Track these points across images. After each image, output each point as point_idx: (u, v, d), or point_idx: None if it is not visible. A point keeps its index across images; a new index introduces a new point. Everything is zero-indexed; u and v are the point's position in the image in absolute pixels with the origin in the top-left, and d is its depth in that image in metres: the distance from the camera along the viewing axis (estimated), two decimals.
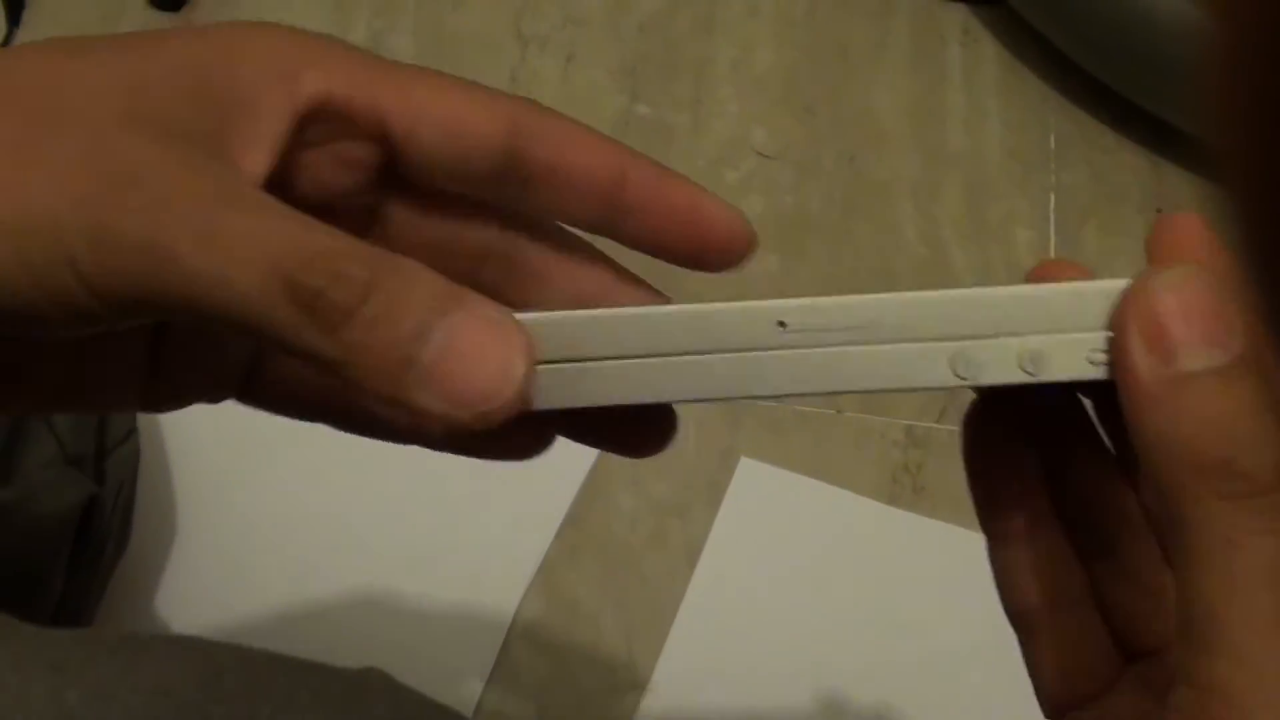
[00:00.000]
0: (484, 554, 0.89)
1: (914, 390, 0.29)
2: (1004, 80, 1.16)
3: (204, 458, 0.89)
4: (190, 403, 0.36)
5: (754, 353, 0.29)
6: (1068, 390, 0.34)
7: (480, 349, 0.27)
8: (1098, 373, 0.29)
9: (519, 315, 0.29)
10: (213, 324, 0.27)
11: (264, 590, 0.87)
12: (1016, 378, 0.29)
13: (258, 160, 0.30)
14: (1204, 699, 0.26)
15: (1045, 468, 0.35)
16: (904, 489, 0.94)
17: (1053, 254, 1.06)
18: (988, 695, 0.76)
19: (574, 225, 0.35)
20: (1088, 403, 0.35)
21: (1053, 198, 1.10)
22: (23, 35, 1.12)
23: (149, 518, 0.86)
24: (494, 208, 0.35)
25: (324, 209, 0.31)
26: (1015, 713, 0.39)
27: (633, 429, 0.36)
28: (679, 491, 0.93)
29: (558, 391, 0.29)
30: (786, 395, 0.29)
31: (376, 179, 0.33)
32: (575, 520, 0.92)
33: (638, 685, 0.86)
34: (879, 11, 1.19)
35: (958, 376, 0.29)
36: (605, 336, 0.29)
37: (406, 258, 0.28)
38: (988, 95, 1.15)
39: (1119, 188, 1.10)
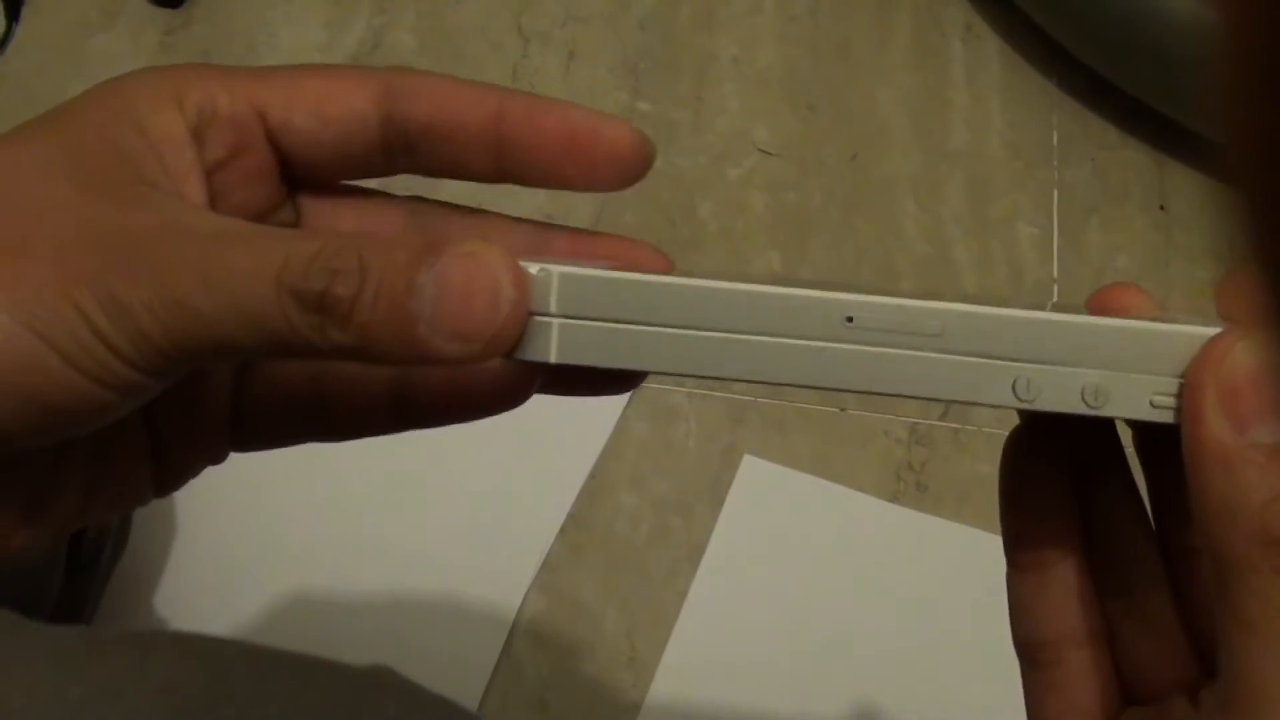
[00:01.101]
0: (486, 553, 0.89)
1: (971, 404, 0.29)
2: (1006, 77, 1.16)
3: None
4: (197, 471, 0.38)
5: (817, 343, 0.29)
6: (1113, 425, 0.34)
7: (466, 281, 0.28)
8: (1159, 417, 0.28)
9: (575, 268, 0.29)
10: (244, 354, 0.29)
11: (264, 589, 0.86)
12: (1076, 409, 0.29)
13: (196, 189, 0.32)
14: None
15: (1077, 499, 0.35)
16: (907, 486, 0.94)
17: (1055, 251, 1.06)
18: (990, 691, 0.76)
19: (472, 179, 0.36)
20: (1124, 440, 0.35)
21: (1056, 194, 1.10)
22: (22, 32, 1.12)
23: (148, 517, 0.86)
24: (405, 202, 0.37)
25: None
26: (1017, 709, 0.38)
27: (609, 376, 0.36)
28: (682, 490, 0.93)
29: (594, 350, 0.30)
30: (840, 390, 0.29)
31: (284, 188, 0.35)
32: (578, 519, 0.91)
33: (640, 683, 0.86)
34: (881, 8, 1.19)
35: (1018, 398, 0.29)
36: (657, 304, 0.29)
37: (412, 216, 0.31)
38: (990, 92, 1.15)
39: (1122, 185, 1.10)
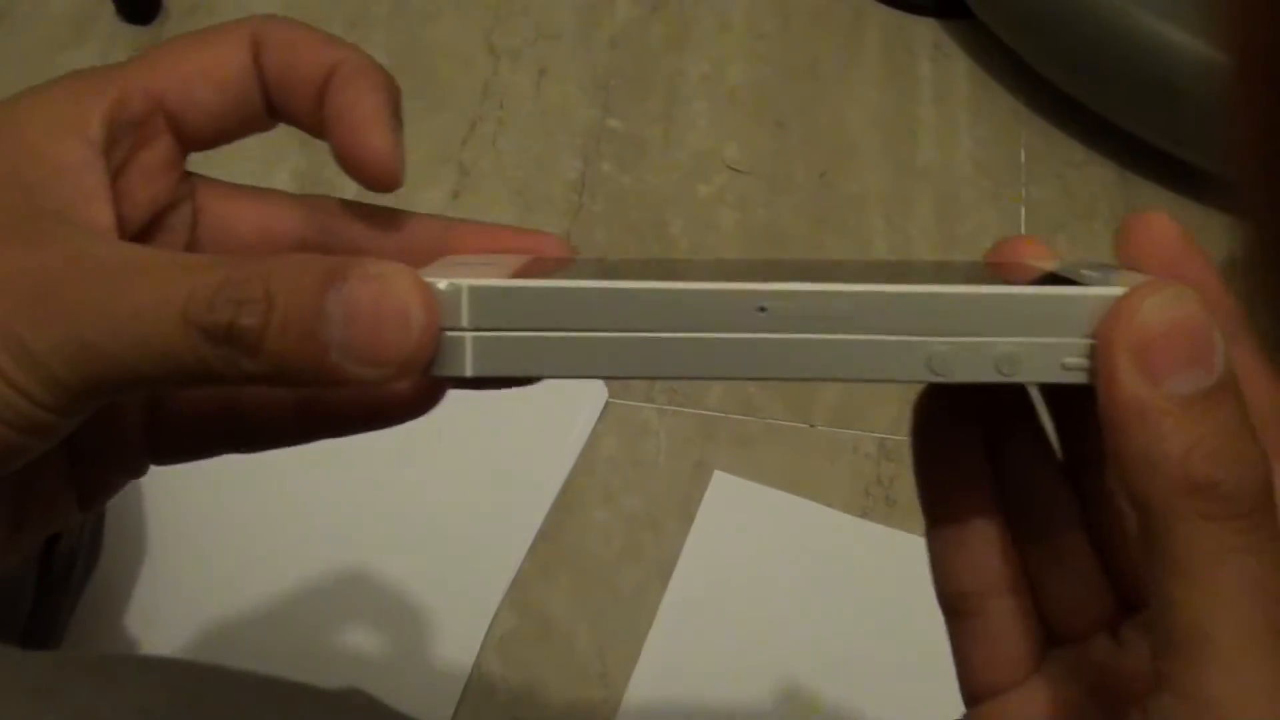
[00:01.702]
0: (456, 569, 0.89)
1: (887, 381, 0.29)
2: (975, 95, 1.17)
3: (172, 475, 0.89)
4: (119, 487, 0.38)
5: (732, 335, 0.29)
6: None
7: (374, 306, 0.28)
8: (1072, 379, 0.29)
9: (483, 281, 0.29)
10: (158, 387, 0.29)
11: (234, 609, 0.86)
12: (990, 378, 0.29)
13: (103, 211, 0.32)
14: (1194, 709, 0.27)
15: (988, 452, 0.36)
16: (877, 502, 0.94)
17: None
18: (961, 709, 0.77)
19: (311, 133, 0.36)
20: (1034, 391, 0.35)
21: (1023, 211, 1.10)
22: None
23: (118, 536, 0.85)
24: (303, 200, 0.37)
25: (152, 229, 0.34)
26: None
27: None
28: (652, 506, 0.93)
29: (510, 361, 0.29)
30: (759, 379, 0.29)
31: (187, 178, 0.35)
32: (548, 535, 0.91)
33: (611, 700, 0.86)
34: (850, 27, 1.20)
35: (932, 372, 0.29)
36: (569, 309, 0.29)
37: (283, 254, 0.30)
38: (958, 110, 1.16)
39: (1089, 202, 1.11)
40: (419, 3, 1.18)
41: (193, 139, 0.35)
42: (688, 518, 0.93)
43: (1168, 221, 0.30)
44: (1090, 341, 0.29)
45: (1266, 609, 0.27)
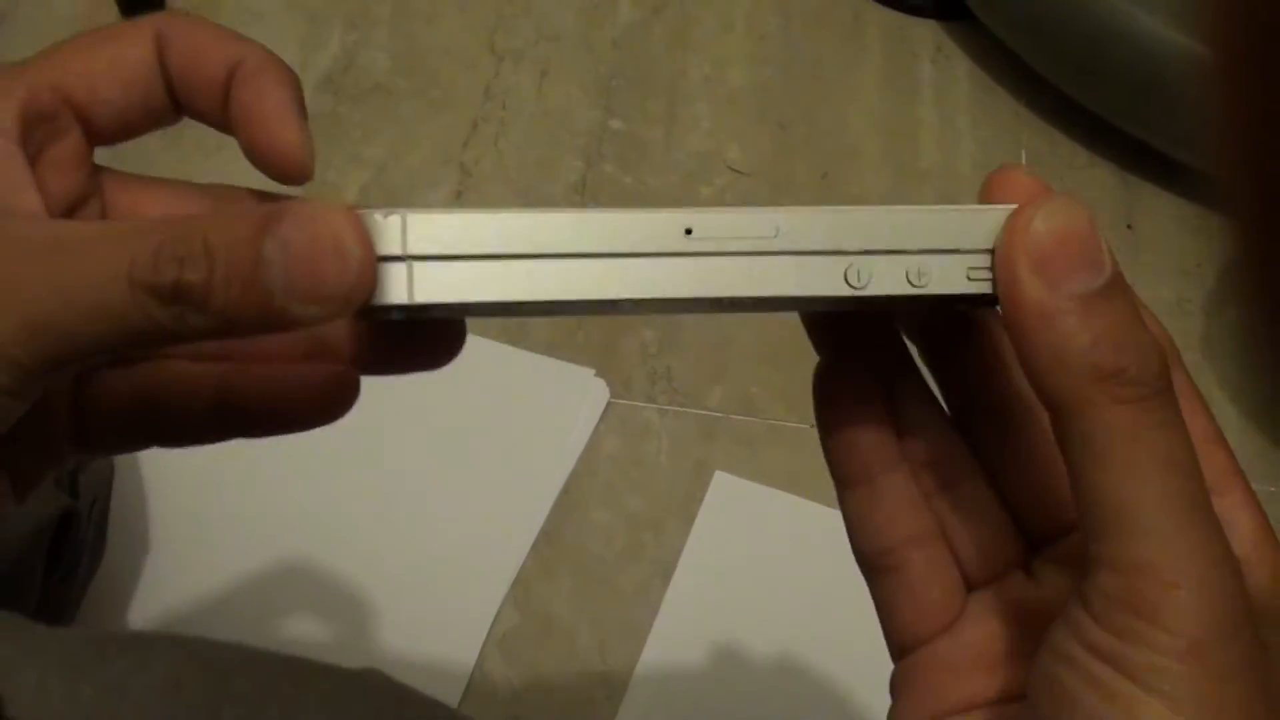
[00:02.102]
0: (459, 569, 0.89)
1: (810, 298, 0.31)
2: (976, 97, 1.17)
3: (177, 472, 0.89)
4: (44, 478, 0.38)
5: (661, 257, 0.30)
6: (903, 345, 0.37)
7: (310, 244, 0.28)
8: (977, 288, 0.31)
9: (423, 212, 0.30)
10: (113, 353, 0.30)
11: (237, 602, 0.86)
12: (903, 289, 0.31)
13: (32, 198, 0.33)
14: (1129, 579, 0.29)
15: (888, 416, 0.38)
16: None
17: None
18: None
19: (217, 128, 0.36)
20: (913, 348, 0.38)
21: None
22: None
23: (123, 530, 0.85)
24: (209, 189, 0.37)
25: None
26: None
27: (428, 345, 0.37)
28: (653, 506, 0.94)
29: (451, 287, 0.30)
30: (686, 299, 0.30)
31: (95, 172, 0.36)
32: (550, 535, 0.92)
33: (613, 698, 0.86)
34: (851, 28, 1.20)
35: (851, 286, 0.31)
36: (506, 235, 0.30)
37: (218, 204, 0.31)
38: (959, 112, 1.16)
39: (1090, 204, 1.11)
40: (421, 3, 1.18)
41: (100, 133, 0.36)
42: (689, 518, 0.93)
43: (1027, 175, 0.32)
44: (990, 253, 0.31)
45: (1182, 480, 0.29)
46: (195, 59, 0.35)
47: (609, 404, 0.96)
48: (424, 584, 0.88)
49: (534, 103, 1.13)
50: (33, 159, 0.34)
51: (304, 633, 0.86)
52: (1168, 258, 1.08)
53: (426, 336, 0.36)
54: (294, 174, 0.35)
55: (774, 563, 0.91)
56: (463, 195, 1.08)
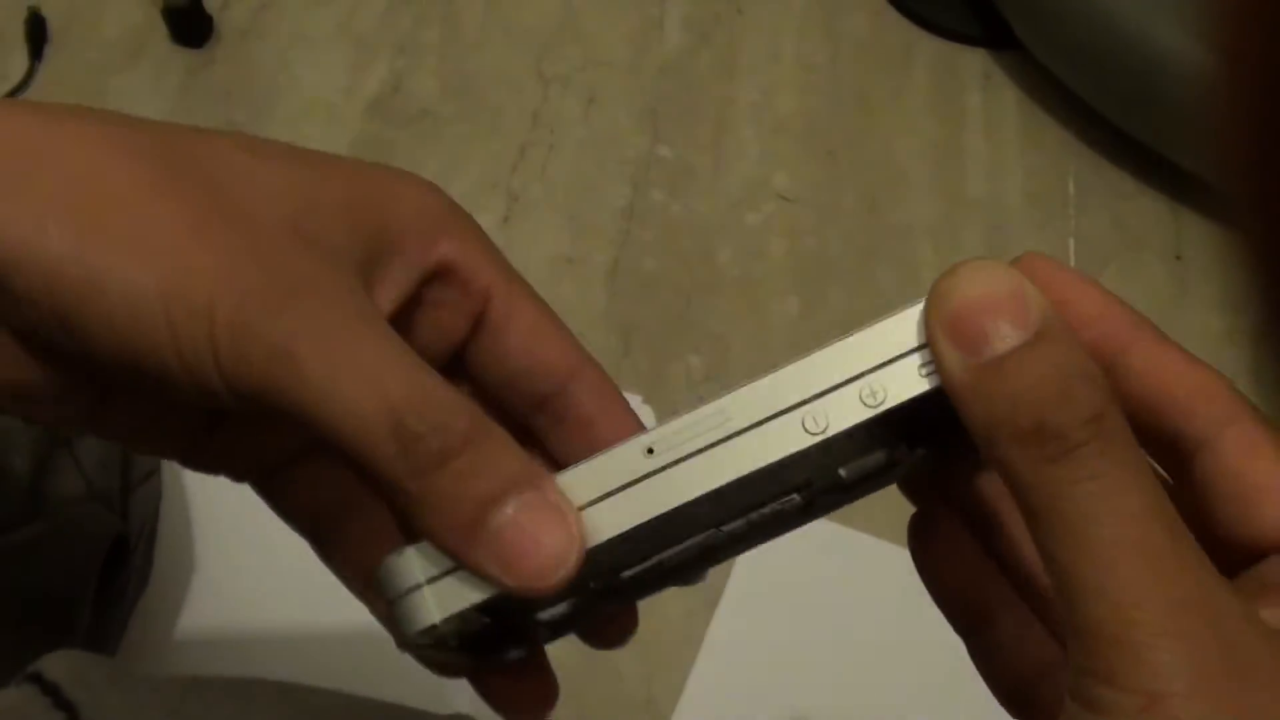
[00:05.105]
0: None
1: (777, 462, 0.30)
2: (1024, 126, 1.16)
3: (223, 495, 0.89)
4: (218, 473, 0.39)
5: (628, 488, 0.30)
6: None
7: (543, 531, 0.29)
8: (932, 381, 0.30)
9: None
10: (313, 434, 0.29)
11: (281, 625, 0.86)
12: (865, 415, 0.30)
13: (388, 298, 0.33)
14: (1085, 643, 0.27)
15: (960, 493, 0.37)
16: None
17: None
18: None
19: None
20: None
21: (1072, 243, 1.10)
22: (44, 70, 1.13)
23: (170, 553, 0.86)
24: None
25: None
26: None
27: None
28: None
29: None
30: (669, 510, 0.30)
31: (460, 346, 0.36)
32: None
33: None
34: (900, 57, 1.20)
35: (812, 434, 0.30)
36: None
37: (497, 425, 0.30)
38: (1008, 141, 1.15)
39: (1139, 234, 1.11)
40: (469, 29, 1.19)
41: (484, 347, 0.37)
42: None
43: (1046, 259, 0.32)
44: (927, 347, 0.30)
45: (1124, 528, 0.27)
46: (536, 353, 0.36)
47: None
48: None
49: (582, 129, 1.14)
50: (425, 300, 0.35)
51: (345, 653, 0.86)
52: (1217, 288, 1.07)
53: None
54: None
55: (819, 591, 0.91)
56: (510, 220, 1.08)
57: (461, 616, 0.30)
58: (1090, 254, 1.09)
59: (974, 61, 1.20)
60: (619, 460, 0.30)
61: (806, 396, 0.30)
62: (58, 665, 0.45)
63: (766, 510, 0.33)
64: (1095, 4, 1.07)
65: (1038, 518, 0.28)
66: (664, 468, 0.30)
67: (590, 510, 0.30)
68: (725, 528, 0.33)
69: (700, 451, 0.30)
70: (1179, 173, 1.10)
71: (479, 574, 0.29)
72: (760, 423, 0.30)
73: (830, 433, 0.30)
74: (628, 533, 0.30)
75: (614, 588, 0.34)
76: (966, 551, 0.37)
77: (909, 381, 0.30)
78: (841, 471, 0.33)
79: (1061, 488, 0.28)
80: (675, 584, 0.38)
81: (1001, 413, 0.28)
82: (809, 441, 0.30)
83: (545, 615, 0.33)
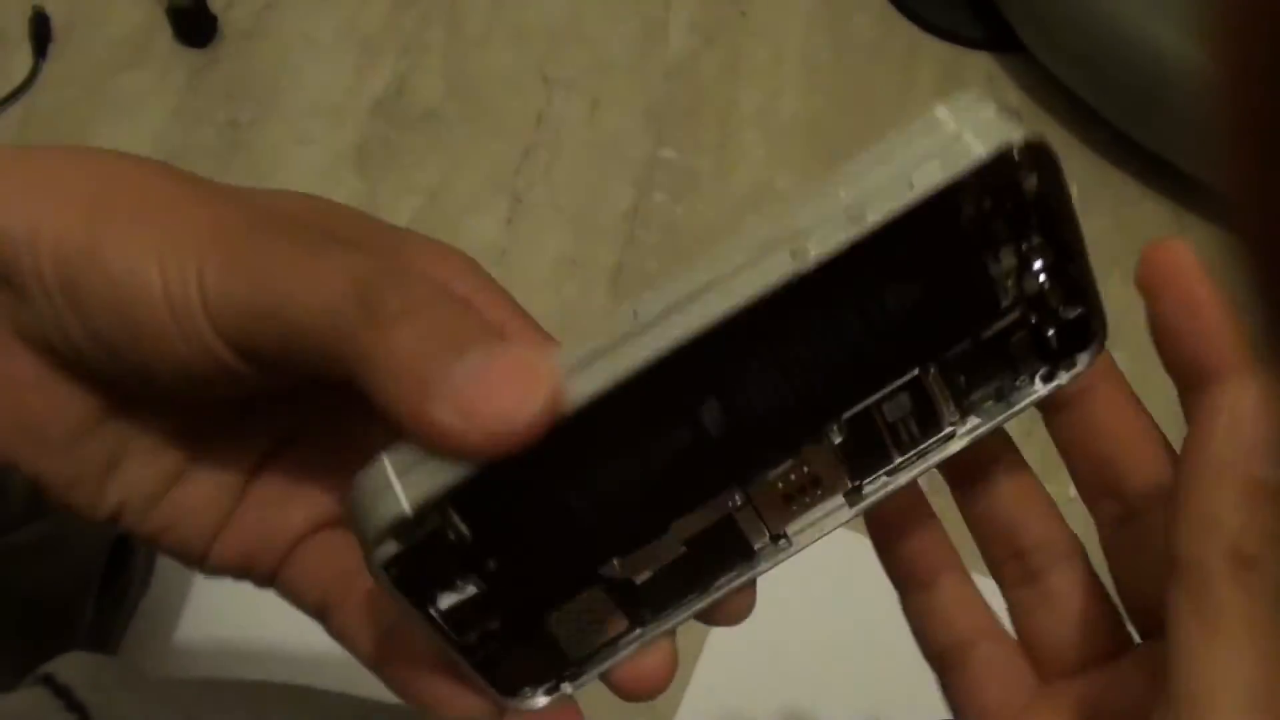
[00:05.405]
0: None
1: (765, 289, 0.28)
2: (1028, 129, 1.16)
3: None
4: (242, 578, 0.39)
5: (622, 344, 0.28)
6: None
7: (508, 377, 0.27)
8: (922, 191, 0.28)
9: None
10: (297, 340, 0.29)
11: (282, 626, 0.86)
12: (850, 232, 0.28)
13: None
14: None
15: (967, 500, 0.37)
16: None
17: None
18: None
19: None
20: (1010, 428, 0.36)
21: None
22: (49, 69, 1.13)
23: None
24: None
25: None
26: None
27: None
28: None
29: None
30: (683, 343, 0.28)
31: None
32: None
33: None
34: (904, 60, 1.20)
35: (795, 257, 0.28)
36: None
37: (469, 302, 0.30)
38: None
39: (1143, 238, 1.10)
40: (473, 31, 1.19)
41: None
42: None
43: (1184, 248, 0.32)
44: (930, 160, 0.28)
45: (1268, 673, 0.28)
46: None
47: None
48: None
49: (585, 131, 1.14)
50: None
51: (345, 656, 0.86)
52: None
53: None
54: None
55: (822, 595, 0.91)
56: (513, 222, 1.08)
57: (436, 536, 0.29)
58: (1094, 258, 1.08)
59: (977, 64, 1.20)
60: (604, 328, 0.28)
61: (796, 229, 0.28)
62: (69, 667, 0.45)
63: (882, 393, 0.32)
64: (1098, 8, 1.07)
65: (1203, 617, 0.29)
66: (649, 325, 0.28)
67: (573, 376, 0.28)
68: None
69: (694, 307, 0.28)
70: (1182, 176, 1.10)
71: (442, 435, 0.27)
72: (750, 265, 0.28)
73: (808, 253, 0.28)
74: (612, 390, 0.28)
75: (643, 593, 0.33)
76: (921, 510, 0.38)
77: (896, 192, 0.28)
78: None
79: (1243, 612, 0.29)
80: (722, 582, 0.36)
81: (1231, 523, 0.29)
82: (789, 266, 0.28)
83: (561, 629, 0.32)
